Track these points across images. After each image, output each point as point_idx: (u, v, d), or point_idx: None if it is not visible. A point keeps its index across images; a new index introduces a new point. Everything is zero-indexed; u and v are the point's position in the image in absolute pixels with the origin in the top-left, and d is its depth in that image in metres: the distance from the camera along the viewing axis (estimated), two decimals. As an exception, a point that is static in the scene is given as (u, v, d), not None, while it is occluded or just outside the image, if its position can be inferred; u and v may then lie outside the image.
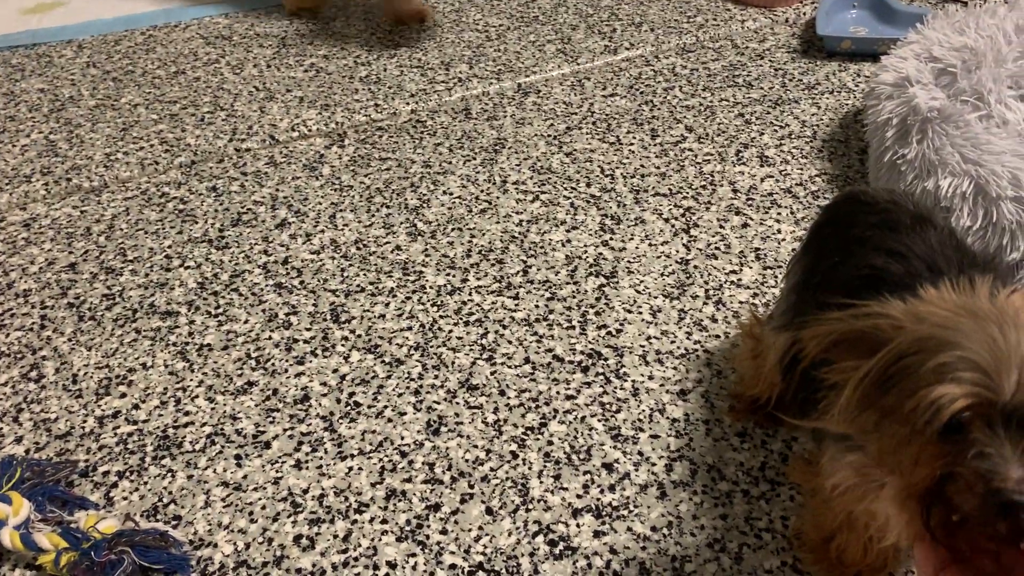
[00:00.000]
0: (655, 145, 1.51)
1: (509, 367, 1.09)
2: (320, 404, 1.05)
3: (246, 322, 1.17)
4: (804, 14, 1.92)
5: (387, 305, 1.18)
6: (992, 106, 1.30)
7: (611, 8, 1.97)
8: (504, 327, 1.14)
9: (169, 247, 1.31)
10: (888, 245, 0.69)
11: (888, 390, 0.53)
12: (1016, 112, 1.31)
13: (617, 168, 1.45)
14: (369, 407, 1.04)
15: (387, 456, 0.98)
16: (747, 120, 1.57)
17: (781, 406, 0.97)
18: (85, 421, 1.04)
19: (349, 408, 1.04)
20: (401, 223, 1.33)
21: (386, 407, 1.04)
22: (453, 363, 1.09)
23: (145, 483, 0.96)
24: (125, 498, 0.95)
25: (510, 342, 1.12)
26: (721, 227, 1.31)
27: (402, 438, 1.00)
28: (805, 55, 1.78)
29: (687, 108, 1.61)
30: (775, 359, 0.87)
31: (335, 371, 1.09)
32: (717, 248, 1.27)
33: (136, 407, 1.05)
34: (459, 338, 1.13)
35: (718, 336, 1.12)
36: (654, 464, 0.96)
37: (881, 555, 0.83)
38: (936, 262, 0.66)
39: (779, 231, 1.30)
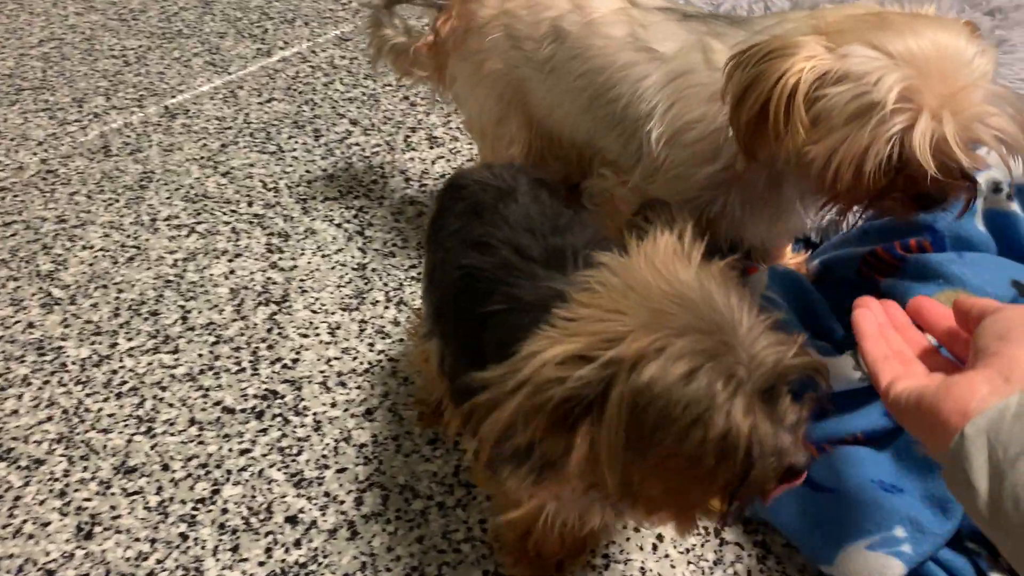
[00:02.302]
0: (320, 147, 1.41)
1: (172, 435, 0.95)
2: (-59, 541, 0.87)
3: None
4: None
5: (20, 398, 1.01)
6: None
7: (261, 8, 1.84)
8: (163, 389, 1.01)
9: None
10: (474, 236, 0.64)
11: (649, 448, 0.49)
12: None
13: (281, 179, 1.34)
14: (4, 527, 0.87)
15: (29, 582, 0.83)
16: (412, 103, 1.51)
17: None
18: None
19: (-22, 536, 0.87)
20: (33, 294, 1.15)
21: (25, 521, 0.88)
22: (105, 447, 0.95)
23: None
24: None
25: (171, 405, 0.99)
26: (396, 221, 1.24)
27: (47, 554, 0.85)
28: (465, 24, 1.74)
29: (350, 100, 1.52)
30: (436, 367, 0.81)
31: (-43, 495, 0.91)
32: (394, 245, 1.20)
33: None
34: (110, 415, 0.98)
35: (402, 340, 1.05)
36: (342, 502, 0.88)
37: (578, 541, 0.79)
38: (521, 243, 0.61)
39: (452, 213, 1.24)
